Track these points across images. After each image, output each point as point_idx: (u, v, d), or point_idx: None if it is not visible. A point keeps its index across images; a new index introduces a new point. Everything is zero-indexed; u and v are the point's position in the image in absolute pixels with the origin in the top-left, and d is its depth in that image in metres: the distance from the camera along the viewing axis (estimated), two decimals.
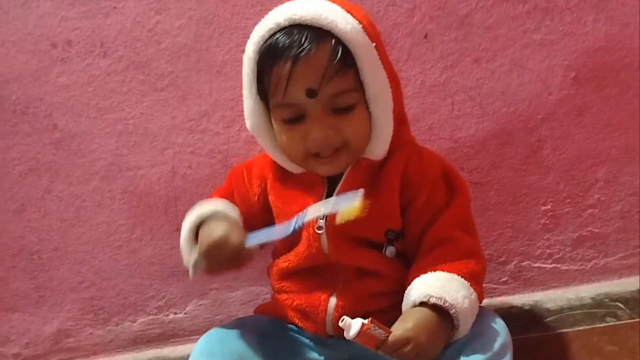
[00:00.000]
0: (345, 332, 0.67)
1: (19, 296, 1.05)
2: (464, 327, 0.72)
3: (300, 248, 0.81)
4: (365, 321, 0.67)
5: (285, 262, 0.83)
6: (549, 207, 1.02)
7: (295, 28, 0.72)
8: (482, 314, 0.77)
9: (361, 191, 0.69)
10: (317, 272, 0.81)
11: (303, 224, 0.72)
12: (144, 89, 0.98)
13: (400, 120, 0.81)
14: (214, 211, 0.81)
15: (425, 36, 0.96)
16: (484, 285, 0.95)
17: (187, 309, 1.06)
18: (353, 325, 0.67)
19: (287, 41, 0.71)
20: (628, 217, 1.02)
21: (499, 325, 0.76)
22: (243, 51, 0.95)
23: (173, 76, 0.98)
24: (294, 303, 0.83)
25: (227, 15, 0.96)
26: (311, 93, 0.72)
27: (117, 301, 1.05)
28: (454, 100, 0.98)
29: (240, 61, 0.95)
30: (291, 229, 0.71)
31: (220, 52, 0.97)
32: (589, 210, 1.02)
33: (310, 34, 0.71)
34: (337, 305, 0.80)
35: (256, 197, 0.85)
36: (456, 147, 0.99)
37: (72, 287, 1.05)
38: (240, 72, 0.96)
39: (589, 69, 0.97)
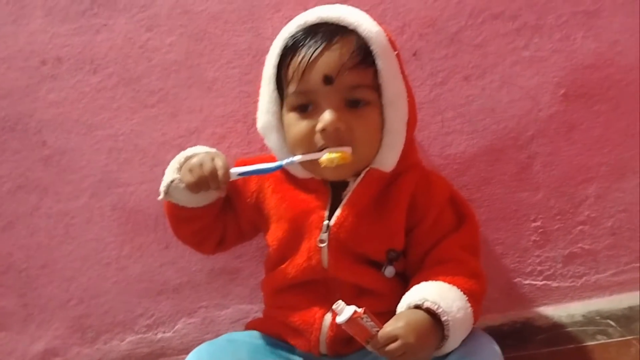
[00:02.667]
0: (337, 317, 0.68)
1: (6, 314, 1.04)
2: (454, 339, 0.72)
3: (299, 260, 0.80)
4: (359, 310, 0.68)
5: (282, 274, 0.82)
6: (539, 223, 1.02)
7: (323, 25, 0.76)
8: (477, 335, 0.77)
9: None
10: (313, 287, 0.81)
11: (291, 164, 0.77)
12: (134, 105, 0.98)
13: (410, 141, 0.82)
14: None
15: (415, 54, 0.97)
16: None
17: (176, 327, 1.05)
18: (345, 311, 0.68)
19: (313, 33, 0.75)
20: (619, 234, 1.02)
21: (493, 349, 0.76)
22: (234, 68, 0.98)
23: (163, 93, 0.98)
24: (287, 319, 0.82)
25: (217, 32, 0.96)
26: (328, 80, 0.74)
27: (105, 319, 1.04)
28: (444, 117, 0.99)
29: (231, 78, 0.98)
30: (277, 167, 0.77)
31: (211, 68, 0.97)
32: (580, 227, 1.02)
33: (335, 29, 0.75)
34: (332, 324, 0.79)
35: (250, 193, 0.85)
36: (446, 163, 0.99)
37: (60, 305, 1.04)
38: (231, 89, 0.98)
39: (579, 86, 0.98)
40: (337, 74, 0.73)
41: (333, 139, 0.75)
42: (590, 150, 1.00)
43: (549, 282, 1.03)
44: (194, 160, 0.80)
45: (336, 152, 0.74)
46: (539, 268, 1.03)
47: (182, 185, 0.80)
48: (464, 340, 0.74)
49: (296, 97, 0.77)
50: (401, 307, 0.74)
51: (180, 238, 0.90)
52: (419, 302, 0.71)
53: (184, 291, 1.04)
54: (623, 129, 0.99)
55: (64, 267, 1.03)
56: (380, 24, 0.80)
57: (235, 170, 0.78)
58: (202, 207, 0.84)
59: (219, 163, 0.78)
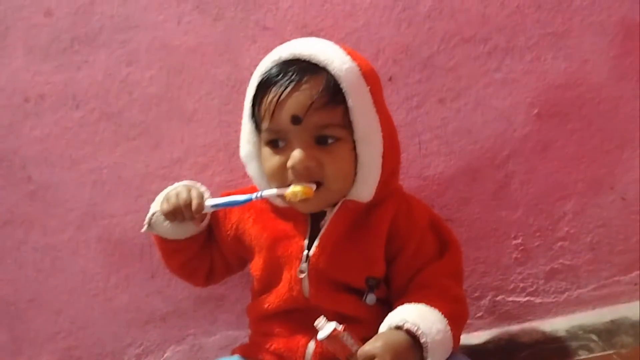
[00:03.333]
0: (318, 333, 0.70)
1: None
2: None
3: (281, 290, 0.82)
4: (339, 327, 0.69)
5: (266, 303, 0.83)
6: (519, 241, 1.03)
7: (295, 62, 0.76)
8: (456, 358, 0.77)
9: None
10: (296, 315, 0.81)
11: (261, 197, 0.79)
12: (116, 138, 1.00)
13: (393, 171, 0.84)
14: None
15: (390, 79, 0.99)
16: None
17: (165, 355, 1.06)
18: (326, 327, 0.70)
19: (283, 71, 0.76)
20: (598, 249, 1.04)
21: None
22: (213, 99, 0.99)
23: (145, 125, 1.00)
24: (272, 347, 0.83)
25: (196, 65, 0.98)
26: (295, 120, 0.74)
27: (94, 350, 1.05)
28: (421, 139, 1.00)
29: (211, 109, 1.00)
30: (247, 199, 0.79)
31: (190, 100, 0.99)
32: (559, 243, 1.03)
33: (305, 67, 0.75)
34: (315, 352, 0.80)
35: (230, 226, 0.87)
36: (425, 185, 1.01)
37: (49, 337, 1.04)
38: (211, 119, 1.00)
39: (551, 105, 1.00)
40: (305, 114, 0.74)
41: (303, 175, 0.76)
42: (566, 168, 1.02)
43: (532, 299, 1.05)
44: (173, 191, 0.83)
45: (300, 186, 0.76)
46: (521, 285, 1.04)
47: (163, 217, 0.82)
48: None
49: (268, 134, 0.78)
50: (382, 327, 0.74)
51: (171, 270, 0.92)
52: (400, 323, 0.72)
53: (171, 319, 1.05)
54: (597, 146, 1.01)
55: (51, 300, 1.03)
56: (357, 54, 0.80)
57: (209, 203, 0.80)
58: (184, 240, 0.86)
59: (194, 194, 0.81)
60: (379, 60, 0.98)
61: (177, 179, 0.98)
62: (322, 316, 0.71)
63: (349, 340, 0.70)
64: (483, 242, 1.03)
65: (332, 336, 0.69)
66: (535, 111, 1.00)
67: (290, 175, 0.77)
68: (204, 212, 0.81)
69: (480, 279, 1.04)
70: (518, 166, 1.01)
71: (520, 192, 1.02)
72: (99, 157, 1.00)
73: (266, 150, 0.79)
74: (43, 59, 0.97)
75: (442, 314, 0.75)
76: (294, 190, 0.75)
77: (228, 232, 0.87)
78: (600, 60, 0.99)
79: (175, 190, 0.82)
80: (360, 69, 0.77)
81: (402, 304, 0.77)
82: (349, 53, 0.77)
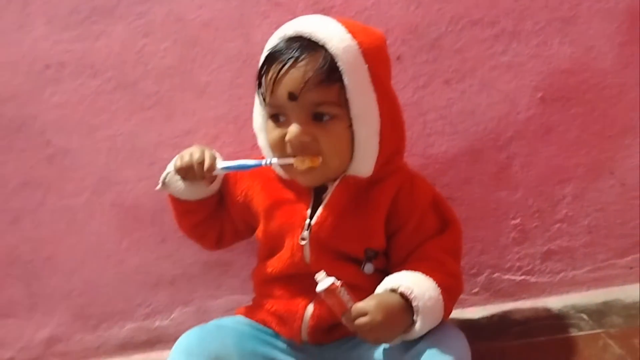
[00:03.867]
0: (317, 285, 0.73)
1: (13, 303, 1.10)
2: (422, 325, 0.76)
3: (284, 255, 0.86)
4: (338, 282, 0.73)
5: (269, 267, 0.88)
6: (518, 221, 1.05)
7: (298, 39, 0.79)
8: (446, 327, 0.81)
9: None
10: (297, 280, 0.85)
11: (270, 164, 0.83)
12: (131, 108, 1.03)
13: (397, 149, 0.86)
14: None
15: (398, 58, 1.00)
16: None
17: (172, 316, 1.11)
18: (325, 281, 0.73)
19: (285, 49, 0.79)
20: (595, 232, 1.06)
21: (460, 338, 0.80)
22: (226, 72, 1.02)
23: (159, 96, 1.03)
24: (273, 308, 0.87)
25: (209, 39, 1.01)
26: (292, 96, 0.77)
27: (105, 308, 1.10)
28: (426, 119, 1.02)
29: (222, 82, 1.03)
30: (257, 164, 0.83)
31: (203, 73, 1.02)
32: (557, 225, 1.06)
33: (306, 44, 0.78)
34: (313, 314, 0.84)
35: (240, 192, 0.91)
36: (428, 163, 1.03)
37: (64, 294, 1.10)
38: (222, 92, 1.03)
39: (556, 90, 1.01)
40: (301, 91, 0.77)
41: (299, 149, 0.79)
42: (568, 152, 1.03)
43: (527, 278, 1.07)
44: (187, 150, 0.87)
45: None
46: (518, 264, 1.07)
47: (177, 177, 0.87)
48: (433, 330, 0.78)
49: (270, 109, 0.82)
50: (378, 289, 0.79)
51: (183, 231, 0.97)
52: (394, 286, 0.77)
53: (179, 282, 1.10)
54: (599, 131, 1.02)
55: (67, 260, 1.09)
56: (366, 31, 0.82)
57: (220, 164, 0.85)
58: (195, 202, 0.90)
59: (207, 154, 0.85)
60: (388, 39, 0.97)
61: None
62: (322, 270, 0.74)
63: (345, 296, 0.74)
64: (482, 221, 1.05)
65: (330, 290, 0.73)
66: (540, 95, 1.01)
67: (288, 148, 0.80)
68: (214, 173, 0.85)
69: (478, 256, 1.07)
70: (520, 148, 1.03)
71: (521, 174, 1.04)
72: (114, 125, 1.04)
73: (269, 124, 0.83)
74: (63, 28, 1.00)
75: (437, 283, 0.78)
76: (302, 161, 0.79)
77: (238, 199, 0.91)
78: (606, 46, 0.99)
79: (190, 150, 0.86)
80: (360, 47, 0.78)
81: (400, 271, 0.81)
82: (351, 31, 0.79)
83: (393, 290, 0.77)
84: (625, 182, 1.04)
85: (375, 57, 0.80)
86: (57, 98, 1.03)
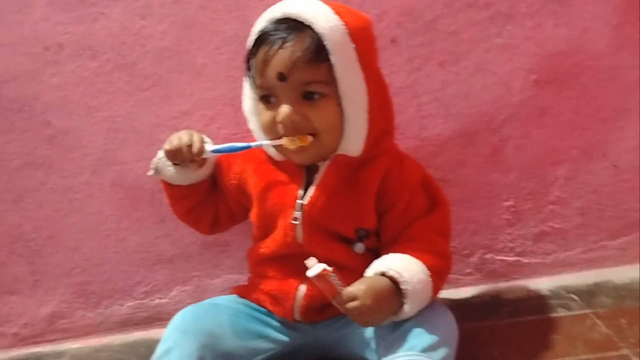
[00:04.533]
0: (308, 270, 0.75)
1: (17, 280, 1.12)
2: (411, 307, 0.78)
3: (277, 236, 0.88)
4: (329, 268, 0.75)
5: (263, 248, 0.90)
6: (511, 203, 1.07)
7: (285, 21, 0.80)
8: (434, 305, 0.83)
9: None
10: (290, 260, 0.87)
11: (259, 146, 0.85)
12: (129, 89, 1.04)
13: (386, 129, 0.88)
14: None
15: (393, 40, 1.01)
16: (449, 276, 1.02)
17: (171, 294, 1.13)
18: (316, 267, 0.75)
19: (272, 30, 0.80)
20: (587, 214, 1.07)
21: (447, 316, 0.83)
22: (222, 54, 1.03)
23: (156, 77, 1.04)
24: (267, 288, 0.90)
25: (206, 20, 1.02)
26: (281, 77, 0.79)
27: (106, 286, 1.13)
28: (420, 101, 1.03)
29: (219, 64, 1.03)
30: (246, 147, 0.84)
31: (200, 54, 1.03)
32: (550, 207, 1.07)
33: (293, 25, 0.79)
34: (305, 294, 0.86)
35: (233, 175, 0.93)
36: (422, 145, 1.05)
37: (66, 272, 1.12)
38: (219, 74, 1.04)
39: (550, 72, 1.02)
40: (289, 71, 0.78)
41: (290, 129, 0.81)
42: (561, 134, 1.04)
43: (520, 259, 1.09)
44: (176, 134, 0.88)
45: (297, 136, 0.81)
46: (510, 245, 1.09)
47: (168, 162, 0.88)
48: (421, 310, 0.80)
49: (260, 90, 0.83)
50: (368, 273, 0.80)
51: (178, 216, 0.99)
52: (384, 270, 0.78)
53: (178, 262, 1.12)
54: (592, 114, 1.03)
55: (68, 238, 1.11)
56: (352, 13, 0.83)
57: (209, 147, 0.86)
58: (187, 186, 0.92)
59: (196, 137, 0.86)
60: (382, 21, 1.00)
61: (186, 129, 1.04)
62: (312, 256, 0.76)
63: (335, 280, 0.75)
64: (476, 202, 1.07)
65: (321, 275, 0.74)
66: (534, 77, 1.02)
67: (280, 129, 0.81)
68: (203, 156, 0.85)
69: (471, 237, 1.08)
70: (513, 131, 1.04)
71: (515, 156, 1.05)
72: (113, 106, 1.05)
73: (260, 106, 0.84)
74: (62, 10, 1.01)
75: (426, 265, 0.80)
76: (292, 140, 0.80)
77: (232, 181, 0.93)
78: (601, 29, 1.00)
79: (179, 134, 0.87)
80: (347, 27, 0.79)
81: (389, 253, 0.83)
82: (338, 12, 0.80)
83: (382, 274, 0.78)
84: (617, 165, 1.05)
85: (362, 37, 0.81)
86: (57, 79, 1.04)
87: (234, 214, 0.98)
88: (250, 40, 0.83)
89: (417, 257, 0.81)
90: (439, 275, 0.82)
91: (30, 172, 1.08)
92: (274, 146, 0.85)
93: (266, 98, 0.83)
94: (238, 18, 1.01)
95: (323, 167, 0.85)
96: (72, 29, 1.02)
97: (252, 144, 0.84)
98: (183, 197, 0.94)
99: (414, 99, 1.03)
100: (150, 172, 0.91)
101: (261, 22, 0.82)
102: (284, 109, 0.80)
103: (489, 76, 1.02)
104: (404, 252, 0.81)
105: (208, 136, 1.04)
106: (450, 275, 1.07)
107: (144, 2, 1.01)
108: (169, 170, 0.89)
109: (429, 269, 0.80)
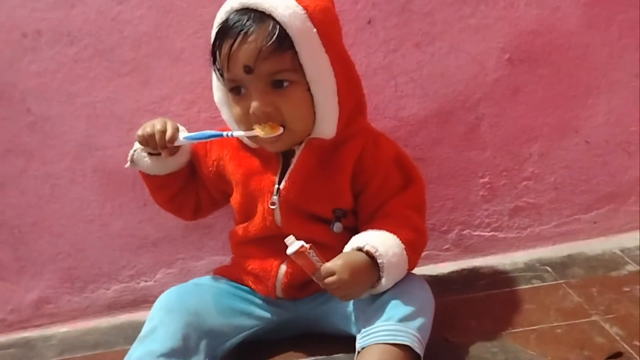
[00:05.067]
0: (287, 248, 0.77)
1: (2, 266, 1.13)
2: (387, 280, 0.81)
3: (257, 220, 0.89)
4: (307, 245, 0.77)
5: (244, 231, 0.92)
6: (486, 179, 1.10)
7: (244, 11, 0.79)
8: (411, 278, 0.86)
9: None
10: (271, 241, 0.88)
11: (232, 136, 0.85)
12: (109, 74, 1.05)
13: (358, 109, 0.89)
14: None
15: (369, 22, 1.03)
16: (427, 252, 1.05)
17: (157, 277, 1.15)
18: (294, 244, 0.77)
19: (234, 23, 0.79)
20: (561, 188, 1.10)
21: (423, 288, 0.85)
22: (200, 38, 1.04)
23: (135, 62, 1.04)
24: (249, 267, 0.92)
25: (184, 5, 1.02)
26: (247, 69, 0.79)
27: (91, 271, 1.14)
28: (397, 82, 1.05)
29: (197, 48, 1.04)
30: (218, 135, 0.84)
31: (178, 39, 1.04)
32: (524, 183, 1.10)
33: (253, 16, 0.78)
34: (286, 272, 0.89)
35: (211, 162, 0.94)
36: (400, 125, 1.07)
37: (50, 258, 1.13)
38: (198, 58, 1.04)
39: (522, 51, 1.04)
40: (255, 63, 0.78)
41: (263, 119, 0.81)
42: (534, 112, 1.07)
43: (496, 234, 1.12)
44: (150, 121, 0.88)
45: (268, 125, 0.81)
46: (486, 220, 1.12)
47: (144, 153, 0.89)
48: (398, 282, 0.83)
49: (229, 83, 0.83)
50: (346, 249, 0.83)
51: (159, 205, 1.00)
52: (361, 245, 0.81)
53: (162, 245, 1.14)
54: (564, 91, 1.06)
55: (52, 224, 1.12)
56: None
57: (182, 135, 0.86)
58: (165, 176, 0.93)
59: (169, 125, 0.86)
60: (359, 3, 1.02)
61: (166, 114, 1.05)
62: (291, 235, 0.78)
63: (314, 257, 0.78)
64: (452, 180, 1.09)
65: (299, 252, 0.77)
66: (507, 56, 1.04)
67: (253, 119, 0.82)
68: (176, 143, 0.85)
69: (449, 214, 1.11)
70: (488, 109, 1.06)
71: (489, 134, 1.08)
72: (92, 92, 1.06)
73: (231, 98, 0.85)
74: None
75: (401, 239, 0.83)
76: (263, 128, 0.81)
77: (210, 169, 0.94)
78: (571, 8, 1.02)
79: (152, 121, 0.87)
80: (307, 12, 0.78)
81: (366, 229, 0.85)
82: None
83: (359, 249, 0.81)
84: (589, 140, 1.08)
85: (323, 20, 0.80)
86: (36, 66, 1.04)
87: (215, 199, 0.99)
88: (213, 33, 0.83)
89: (392, 232, 0.83)
90: (413, 249, 0.84)
91: (12, 159, 1.09)
92: (252, 141, 0.86)
93: (236, 90, 0.83)
94: (215, 1, 0.98)
95: (298, 151, 0.87)
96: (49, 15, 1.02)
97: (225, 133, 0.84)
98: (162, 186, 0.95)
99: (391, 80, 1.05)
100: (127, 165, 0.91)
101: (221, 14, 0.82)
102: (255, 102, 0.80)
103: (464, 56, 1.04)
104: (380, 229, 0.84)
105: (188, 120, 1.05)
106: (429, 252, 1.11)
107: None
108: (145, 161, 0.90)
109: (403, 243, 0.83)
